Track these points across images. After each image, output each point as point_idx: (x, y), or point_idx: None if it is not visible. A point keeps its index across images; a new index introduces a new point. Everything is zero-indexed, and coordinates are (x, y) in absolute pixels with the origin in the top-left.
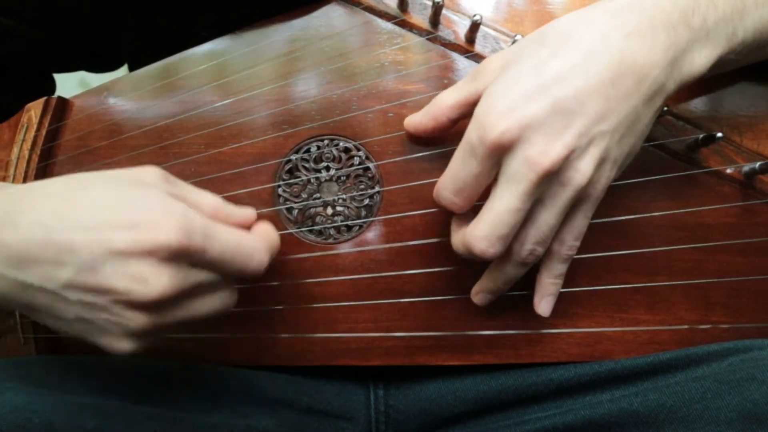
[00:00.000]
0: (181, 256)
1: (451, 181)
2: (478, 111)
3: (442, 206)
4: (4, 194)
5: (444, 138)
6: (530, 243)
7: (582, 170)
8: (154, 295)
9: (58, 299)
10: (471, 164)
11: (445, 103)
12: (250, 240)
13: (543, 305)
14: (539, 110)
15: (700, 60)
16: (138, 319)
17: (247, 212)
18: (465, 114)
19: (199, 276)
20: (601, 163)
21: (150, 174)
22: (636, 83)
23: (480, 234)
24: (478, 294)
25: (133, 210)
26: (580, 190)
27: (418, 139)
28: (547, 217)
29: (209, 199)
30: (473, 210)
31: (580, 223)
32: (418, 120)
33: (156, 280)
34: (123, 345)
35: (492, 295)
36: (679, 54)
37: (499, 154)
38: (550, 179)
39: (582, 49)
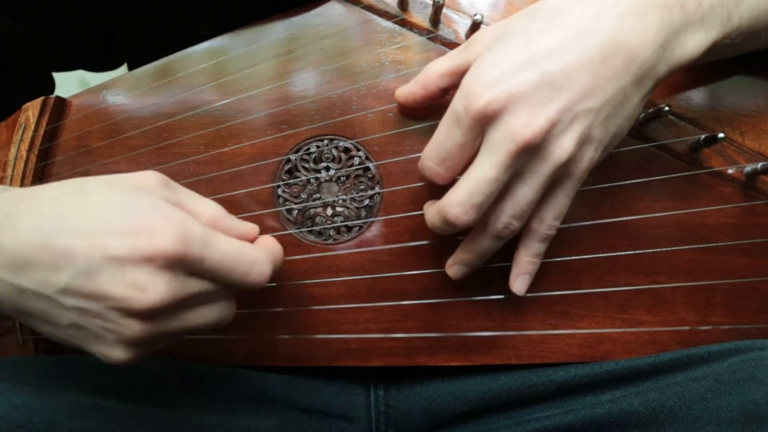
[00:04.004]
0: (178, 264)
1: (435, 151)
2: (466, 80)
3: (426, 177)
4: (3, 197)
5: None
6: (506, 216)
7: (564, 146)
8: (151, 303)
9: (54, 305)
10: (455, 134)
11: (435, 71)
12: (250, 250)
13: (518, 283)
14: (526, 82)
15: (693, 44)
16: (133, 327)
17: (250, 226)
18: (455, 83)
19: (197, 285)
20: (583, 140)
21: (150, 179)
22: (626, 63)
23: (455, 200)
24: (453, 266)
25: (132, 217)
26: (560, 166)
27: (410, 113)
28: (526, 191)
29: (210, 207)
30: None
31: (560, 202)
32: (408, 89)
33: (153, 288)
34: (117, 353)
35: (467, 268)
36: (672, 36)
37: (483, 125)
38: (530, 152)
39: (573, 25)
